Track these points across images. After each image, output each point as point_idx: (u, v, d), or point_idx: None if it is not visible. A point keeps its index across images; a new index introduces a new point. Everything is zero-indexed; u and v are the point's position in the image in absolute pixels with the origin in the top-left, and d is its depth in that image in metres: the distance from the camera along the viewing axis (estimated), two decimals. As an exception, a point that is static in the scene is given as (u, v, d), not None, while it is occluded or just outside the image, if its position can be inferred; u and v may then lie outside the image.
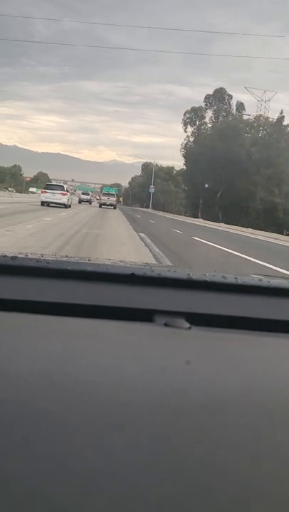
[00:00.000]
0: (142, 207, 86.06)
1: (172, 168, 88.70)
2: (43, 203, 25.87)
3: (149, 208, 70.51)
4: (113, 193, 50.22)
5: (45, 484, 0.34)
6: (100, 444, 0.38)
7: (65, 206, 26.39)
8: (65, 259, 0.97)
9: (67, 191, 27.99)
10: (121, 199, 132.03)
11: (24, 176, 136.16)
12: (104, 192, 50.43)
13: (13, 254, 0.86)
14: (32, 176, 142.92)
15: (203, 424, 0.43)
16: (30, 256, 0.91)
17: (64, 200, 26.39)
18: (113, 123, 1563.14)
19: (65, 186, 29.32)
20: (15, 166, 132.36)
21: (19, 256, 0.87)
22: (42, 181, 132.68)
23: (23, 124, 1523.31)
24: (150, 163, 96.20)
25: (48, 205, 25.57)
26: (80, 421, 0.41)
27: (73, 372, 0.50)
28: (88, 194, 57.81)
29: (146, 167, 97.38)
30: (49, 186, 28.34)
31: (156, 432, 0.41)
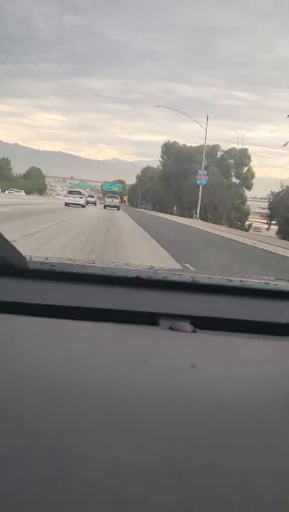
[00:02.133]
0: (166, 211, 54.75)
1: (217, 146, 53.11)
2: (66, 204, 35.78)
3: (193, 217, 38.40)
4: (117, 196, 52.34)
5: (49, 485, 0.34)
6: (103, 447, 0.38)
7: (82, 206, 36.61)
8: (69, 262, 0.94)
9: (84, 195, 40.95)
10: (126, 198, 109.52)
11: (13, 172, 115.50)
12: (108, 195, 53.30)
13: None
14: (24, 172, 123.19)
15: (207, 427, 0.42)
16: (34, 259, 0.89)
17: (81, 202, 37.18)
18: (114, 121, 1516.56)
19: (82, 191, 43.94)
20: (3, 159, 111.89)
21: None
22: (34, 176, 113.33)
23: (24, 122, 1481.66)
24: (175, 142, 64.83)
25: (69, 205, 34.83)
26: (84, 423, 0.41)
27: (78, 375, 0.49)
28: (93, 196, 67.09)
29: (169, 148, 63.90)
30: (71, 192, 40.96)
31: (161, 435, 0.40)
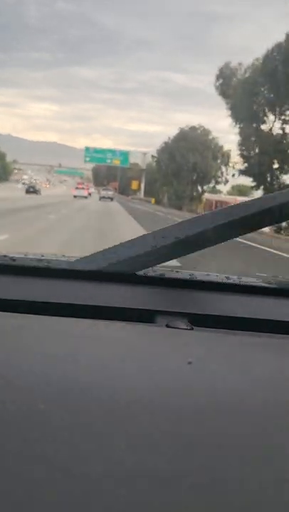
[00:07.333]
0: None
1: None
2: (74, 196, 54.03)
3: None
4: (111, 188, 62.73)
5: (46, 487, 0.33)
6: (100, 446, 0.38)
7: (86, 197, 55.27)
8: (64, 258, 0.93)
9: (87, 189, 62.99)
10: (137, 186, 69.18)
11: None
12: (103, 188, 64.94)
13: (13, 255, 0.85)
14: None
15: (204, 426, 0.43)
16: (30, 256, 0.90)
17: (85, 194, 57.39)
18: (108, 111, 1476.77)
19: (85, 187, 67.44)
20: None
21: (19, 256, 0.86)
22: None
23: (17, 112, 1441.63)
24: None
25: (76, 197, 53.32)
26: (81, 423, 0.41)
27: (74, 374, 0.49)
28: (88, 188, 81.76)
29: None
30: (77, 188, 60.65)
31: (158, 434, 0.40)
